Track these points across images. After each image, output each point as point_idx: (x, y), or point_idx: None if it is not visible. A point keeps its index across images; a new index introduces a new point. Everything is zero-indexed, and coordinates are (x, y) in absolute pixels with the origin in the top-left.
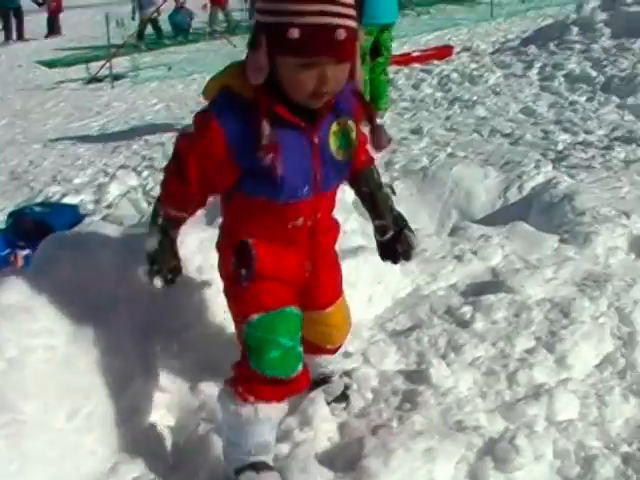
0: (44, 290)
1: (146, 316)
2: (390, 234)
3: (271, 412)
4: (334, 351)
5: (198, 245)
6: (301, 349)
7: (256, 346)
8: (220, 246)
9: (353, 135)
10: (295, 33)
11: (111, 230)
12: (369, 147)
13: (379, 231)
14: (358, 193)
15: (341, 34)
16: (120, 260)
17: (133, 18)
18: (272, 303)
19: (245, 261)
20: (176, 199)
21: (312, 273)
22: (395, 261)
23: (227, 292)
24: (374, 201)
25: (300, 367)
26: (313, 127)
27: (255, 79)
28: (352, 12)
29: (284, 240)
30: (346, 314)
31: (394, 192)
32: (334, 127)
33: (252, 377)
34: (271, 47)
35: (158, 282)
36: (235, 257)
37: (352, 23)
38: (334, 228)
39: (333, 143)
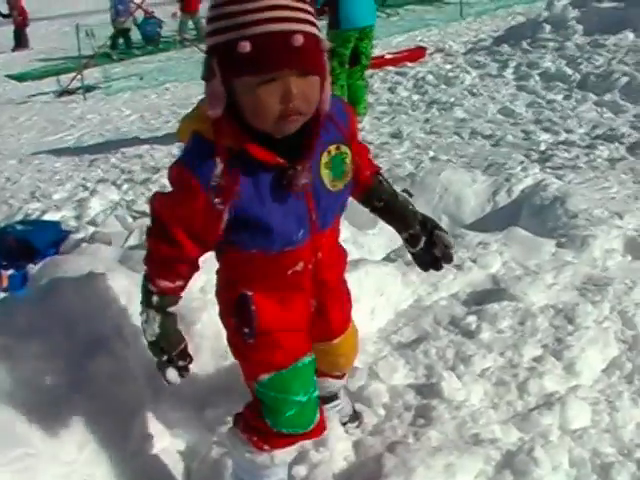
0: (48, 318)
1: None
2: (423, 242)
3: (287, 457)
4: (342, 377)
5: (201, 265)
6: (317, 395)
7: (270, 405)
8: (219, 297)
9: (348, 160)
10: (246, 47)
11: (108, 253)
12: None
13: (410, 242)
14: (373, 210)
15: (298, 39)
16: (123, 285)
17: (112, 24)
18: (282, 360)
19: (246, 318)
20: (169, 266)
21: (318, 308)
22: (437, 268)
23: (232, 345)
24: (393, 212)
25: (317, 417)
26: (300, 163)
27: (214, 111)
28: (311, 18)
29: (285, 287)
30: (355, 342)
31: (411, 194)
32: (325, 158)
33: (268, 432)
34: (225, 72)
35: (173, 376)
36: (236, 314)
37: (313, 29)
38: (340, 260)
39: (326, 176)
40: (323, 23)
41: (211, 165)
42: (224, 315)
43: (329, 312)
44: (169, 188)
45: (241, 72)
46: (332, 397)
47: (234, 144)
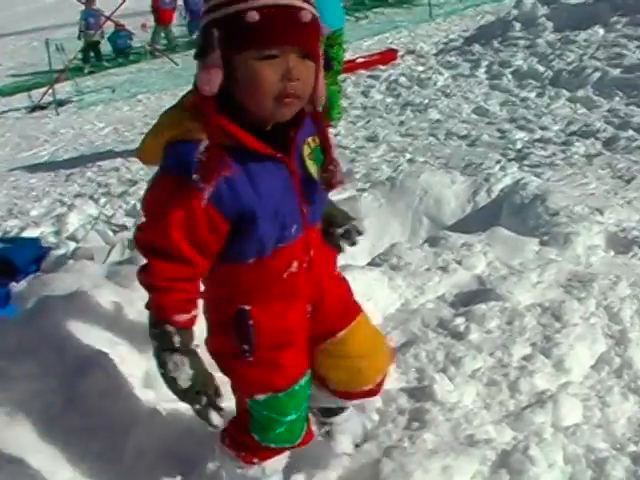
0: (38, 338)
1: (143, 357)
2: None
3: (278, 465)
4: (375, 392)
5: None
6: (307, 411)
7: (261, 422)
8: (210, 318)
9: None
10: (254, 16)
11: (95, 270)
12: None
13: (344, 235)
14: None
15: (306, 15)
16: (111, 301)
17: (79, 38)
18: (281, 383)
19: (244, 334)
20: (183, 291)
21: (314, 308)
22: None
23: (225, 369)
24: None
25: (305, 429)
26: (288, 155)
27: (210, 87)
28: (313, 1)
29: (282, 294)
30: (372, 338)
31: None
32: (306, 150)
33: (256, 446)
34: (227, 45)
35: (219, 420)
36: (235, 331)
37: (315, 11)
38: (331, 257)
39: (311, 167)
40: None
41: (192, 151)
42: (216, 335)
43: (326, 305)
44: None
45: (245, 45)
46: (337, 411)
47: (224, 136)
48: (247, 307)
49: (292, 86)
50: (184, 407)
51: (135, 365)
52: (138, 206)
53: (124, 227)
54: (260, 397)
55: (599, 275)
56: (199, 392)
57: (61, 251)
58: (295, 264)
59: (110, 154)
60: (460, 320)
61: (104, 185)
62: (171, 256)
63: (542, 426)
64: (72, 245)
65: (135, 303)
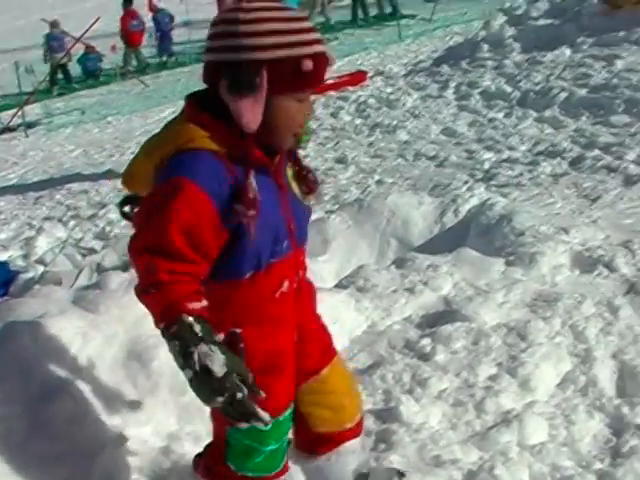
0: (3, 363)
1: (111, 382)
2: None
3: None
4: (356, 432)
5: None
6: (287, 442)
7: (240, 450)
8: None
9: None
10: (309, 65)
11: (61, 294)
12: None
13: None
14: None
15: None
16: (77, 326)
17: (45, 61)
18: (268, 412)
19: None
20: (188, 283)
21: (300, 338)
22: None
23: None
24: None
25: (284, 461)
26: (276, 168)
27: (254, 125)
28: None
29: (274, 316)
30: (348, 377)
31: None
32: (289, 171)
33: (232, 476)
34: (274, 85)
35: (267, 415)
36: None
37: None
38: (312, 288)
39: (296, 187)
40: None
41: (218, 171)
42: None
43: (311, 341)
44: (118, 223)
45: (292, 89)
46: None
47: (234, 147)
48: (238, 330)
49: (307, 121)
50: (150, 431)
51: (101, 390)
52: (107, 229)
53: (93, 250)
54: (243, 425)
55: (564, 294)
56: (240, 378)
57: (30, 275)
58: (286, 284)
59: (79, 177)
60: (426, 341)
61: (73, 208)
62: (174, 255)
63: (508, 445)
64: (40, 268)
65: (101, 328)
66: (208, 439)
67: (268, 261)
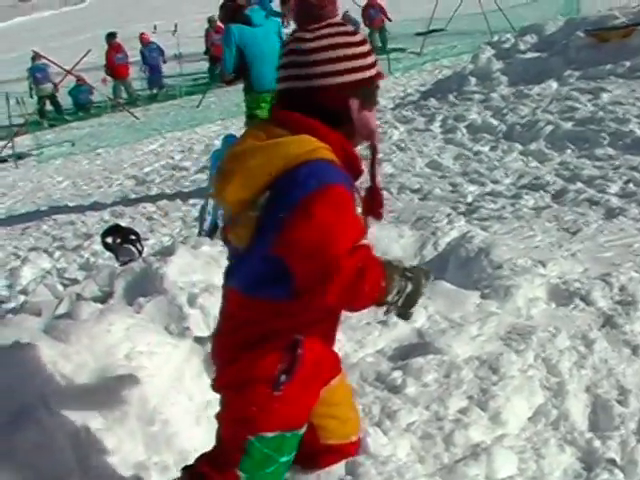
0: None
1: (79, 411)
2: None
3: None
4: (359, 445)
5: (125, 332)
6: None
7: (257, 459)
8: (254, 352)
9: None
10: (381, 83)
11: (34, 323)
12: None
13: None
14: None
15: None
16: (47, 355)
17: (31, 96)
18: (297, 422)
19: (289, 364)
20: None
21: None
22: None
23: (237, 403)
24: None
25: (286, 477)
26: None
27: (365, 139)
28: None
29: (329, 331)
30: (351, 392)
31: None
32: None
33: None
34: (364, 103)
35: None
36: (282, 359)
37: None
38: None
39: None
40: (239, 87)
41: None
42: (247, 370)
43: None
44: (102, 254)
45: (376, 102)
46: None
47: (344, 160)
48: (301, 337)
49: None
50: (118, 461)
51: (69, 419)
52: (92, 260)
53: (75, 281)
54: (269, 434)
55: (539, 327)
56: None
57: (11, 305)
58: None
59: (66, 208)
60: (397, 374)
61: (59, 239)
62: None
63: (476, 479)
64: (22, 299)
65: (71, 357)
66: (176, 469)
67: None
